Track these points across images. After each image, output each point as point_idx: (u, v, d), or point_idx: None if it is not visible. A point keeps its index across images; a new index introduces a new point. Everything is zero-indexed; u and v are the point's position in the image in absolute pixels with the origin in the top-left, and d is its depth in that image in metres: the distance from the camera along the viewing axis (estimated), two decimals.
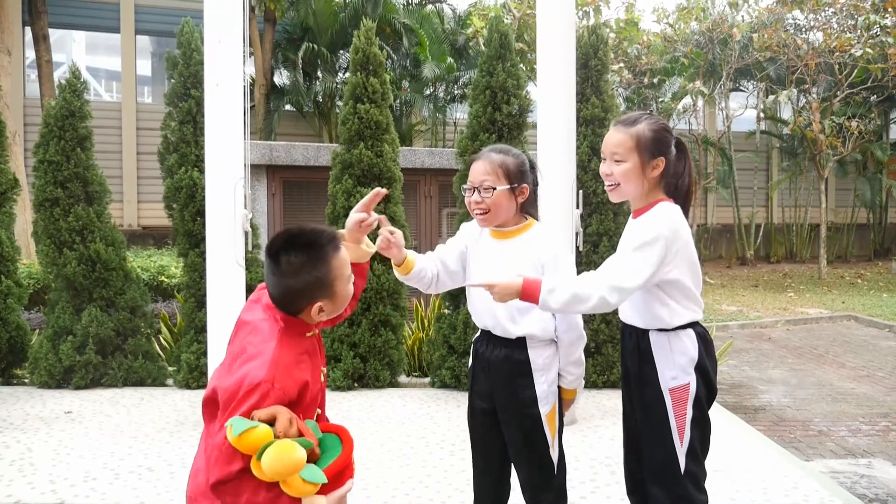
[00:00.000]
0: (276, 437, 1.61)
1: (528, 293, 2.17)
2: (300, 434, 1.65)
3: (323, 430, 1.82)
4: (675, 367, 2.24)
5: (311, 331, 1.94)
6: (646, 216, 2.24)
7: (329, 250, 1.89)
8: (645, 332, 2.30)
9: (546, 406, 2.38)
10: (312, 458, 1.68)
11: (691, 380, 2.23)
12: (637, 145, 2.23)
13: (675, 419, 2.23)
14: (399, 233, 2.34)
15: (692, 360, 2.23)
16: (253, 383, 1.67)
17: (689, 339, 2.25)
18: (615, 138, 2.26)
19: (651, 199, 2.28)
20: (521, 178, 2.41)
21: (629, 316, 2.36)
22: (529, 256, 2.36)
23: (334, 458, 1.75)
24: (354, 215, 2.16)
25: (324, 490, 1.69)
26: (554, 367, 2.40)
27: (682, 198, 2.32)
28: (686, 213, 2.31)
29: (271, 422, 1.63)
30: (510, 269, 2.32)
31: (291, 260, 1.83)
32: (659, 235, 2.15)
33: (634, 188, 2.26)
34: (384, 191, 2.24)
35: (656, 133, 2.24)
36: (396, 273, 2.46)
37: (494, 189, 2.36)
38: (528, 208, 2.48)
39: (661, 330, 2.26)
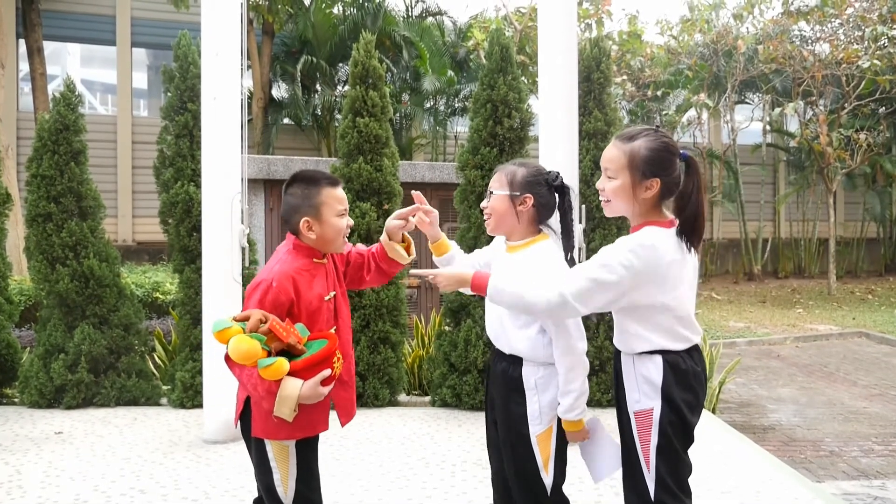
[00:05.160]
0: (245, 332, 2.14)
1: (477, 285, 2.24)
2: (270, 330, 2.16)
3: (314, 337, 2.32)
4: (638, 390, 2.18)
5: (319, 258, 2.51)
6: (629, 236, 2.13)
7: (323, 183, 2.47)
8: (618, 353, 2.27)
9: (538, 426, 2.35)
10: (298, 352, 2.22)
11: (655, 405, 2.14)
12: (629, 164, 2.12)
13: (640, 444, 2.17)
14: (434, 212, 2.62)
15: (655, 386, 2.14)
16: (258, 282, 2.35)
17: (654, 366, 2.14)
18: (609, 153, 2.18)
19: (643, 220, 2.16)
20: (526, 188, 2.39)
21: (614, 334, 2.32)
22: (528, 271, 2.32)
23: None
24: (393, 222, 2.62)
25: (305, 377, 2.21)
26: (551, 390, 2.35)
27: (691, 223, 2.12)
28: (695, 241, 2.13)
29: (246, 319, 2.18)
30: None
31: (294, 186, 2.47)
32: (627, 264, 2.04)
33: (625, 207, 2.17)
34: (428, 210, 2.68)
35: (652, 153, 2.10)
36: (432, 251, 2.71)
37: (493, 193, 2.43)
38: (543, 222, 2.46)
39: (627, 353, 2.22)
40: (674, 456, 2.15)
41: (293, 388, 2.19)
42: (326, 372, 2.26)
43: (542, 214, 2.43)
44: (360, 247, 2.77)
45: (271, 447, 2.38)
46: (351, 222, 2.55)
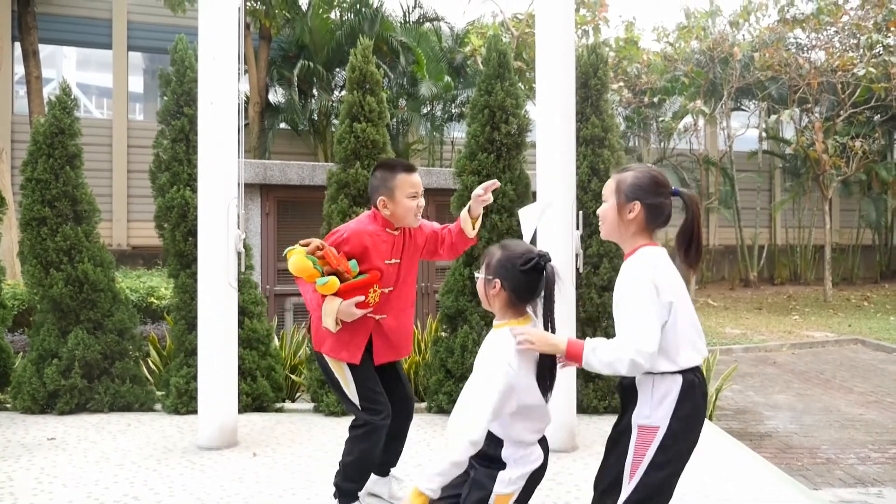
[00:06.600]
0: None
1: (573, 354, 2.22)
2: (323, 256, 2.94)
3: (363, 271, 3.07)
4: (650, 406, 2.25)
5: (392, 229, 3.12)
6: (628, 262, 2.30)
7: (398, 169, 3.07)
8: None
9: (503, 488, 2.29)
10: (345, 279, 3.00)
11: (662, 425, 2.22)
12: (616, 189, 2.36)
13: (633, 455, 2.24)
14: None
15: (669, 406, 2.22)
16: (336, 230, 3.09)
17: (675, 385, 2.23)
18: (606, 184, 2.44)
19: (636, 244, 2.34)
20: (497, 272, 2.41)
21: None
22: (482, 360, 2.35)
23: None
24: (476, 192, 3.20)
25: (346, 298, 3.00)
26: (523, 466, 2.30)
27: (692, 251, 2.33)
28: (693, 265, 2.33)
29: (307, 245, 2.98)
30: None
31: (377, 171, 3.13)
32: (650, 285, 2.20)
33: (611, 228, 2.39)
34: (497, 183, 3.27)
35: (636, 179, 2.33)
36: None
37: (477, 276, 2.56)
38: (523, 305, 2.45)
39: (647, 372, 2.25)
40: (659, 481, 2.22)
41: (334, 303, 2.96)
42: (359, 297, 3.00)
43: (515, 299, 2.32)
44: (434, 224, 3.33)
45: (330, 361, 3.12)
46: (422, 203, 3.11)
